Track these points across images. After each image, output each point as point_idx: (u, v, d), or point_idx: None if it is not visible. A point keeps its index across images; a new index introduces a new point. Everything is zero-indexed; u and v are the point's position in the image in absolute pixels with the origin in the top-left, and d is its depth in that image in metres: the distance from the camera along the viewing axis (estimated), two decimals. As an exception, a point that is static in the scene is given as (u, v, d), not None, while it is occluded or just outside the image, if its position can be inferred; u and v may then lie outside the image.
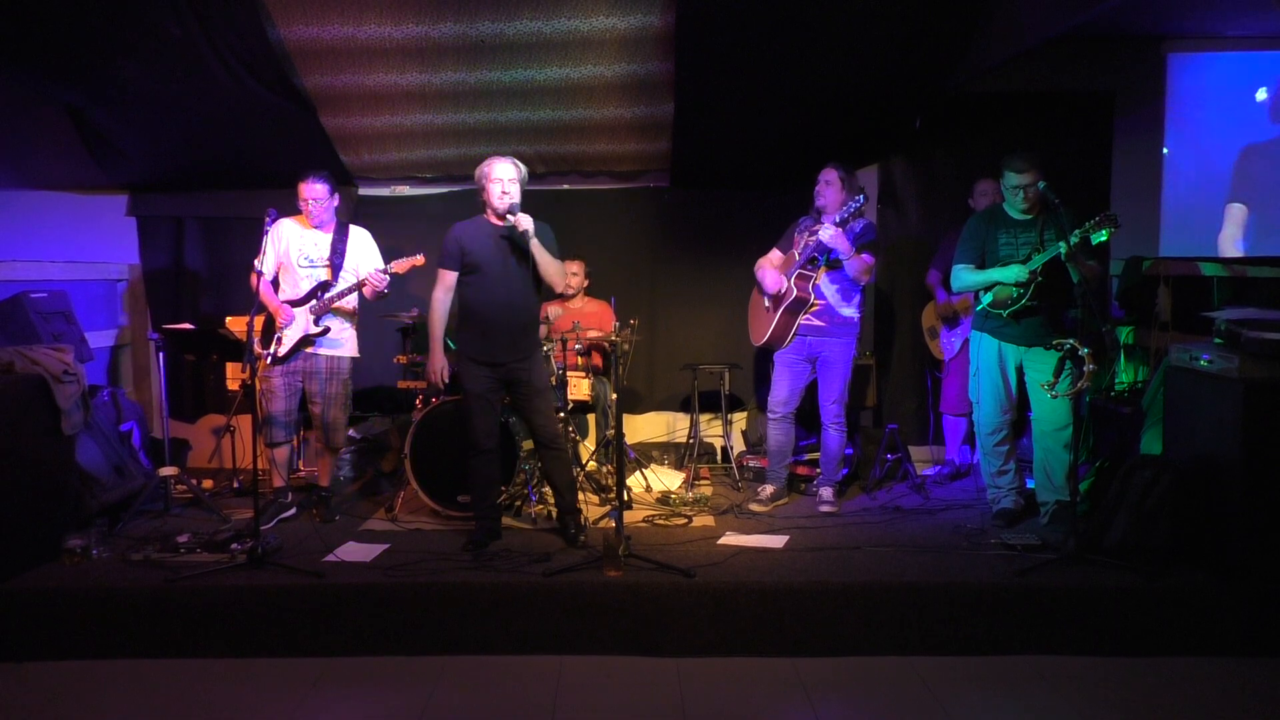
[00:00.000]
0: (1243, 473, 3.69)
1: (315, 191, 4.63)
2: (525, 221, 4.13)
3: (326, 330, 4.65)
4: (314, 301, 4.64)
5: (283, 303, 4.65)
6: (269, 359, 4.60)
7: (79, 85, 4.98)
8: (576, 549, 4.24)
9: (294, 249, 4.70)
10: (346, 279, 4.70)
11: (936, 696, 3.36)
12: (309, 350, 4.67)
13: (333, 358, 4.71)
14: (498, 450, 4.42)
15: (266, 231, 4.41)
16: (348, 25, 4.72)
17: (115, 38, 4.61)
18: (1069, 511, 4.11)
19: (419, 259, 4.63)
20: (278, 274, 4.75)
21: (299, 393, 4.75)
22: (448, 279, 4.31)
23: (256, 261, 4.63)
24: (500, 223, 4.26)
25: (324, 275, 4.68)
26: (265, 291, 4.66)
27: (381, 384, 6.15)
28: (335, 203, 4.72)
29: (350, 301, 4.73)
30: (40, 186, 6.02)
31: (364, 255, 4.78)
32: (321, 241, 4.71)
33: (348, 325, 4.77)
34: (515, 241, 4.22)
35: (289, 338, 4.62)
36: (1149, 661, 3.61)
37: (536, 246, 4.18)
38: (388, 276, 4.61)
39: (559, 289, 4.33)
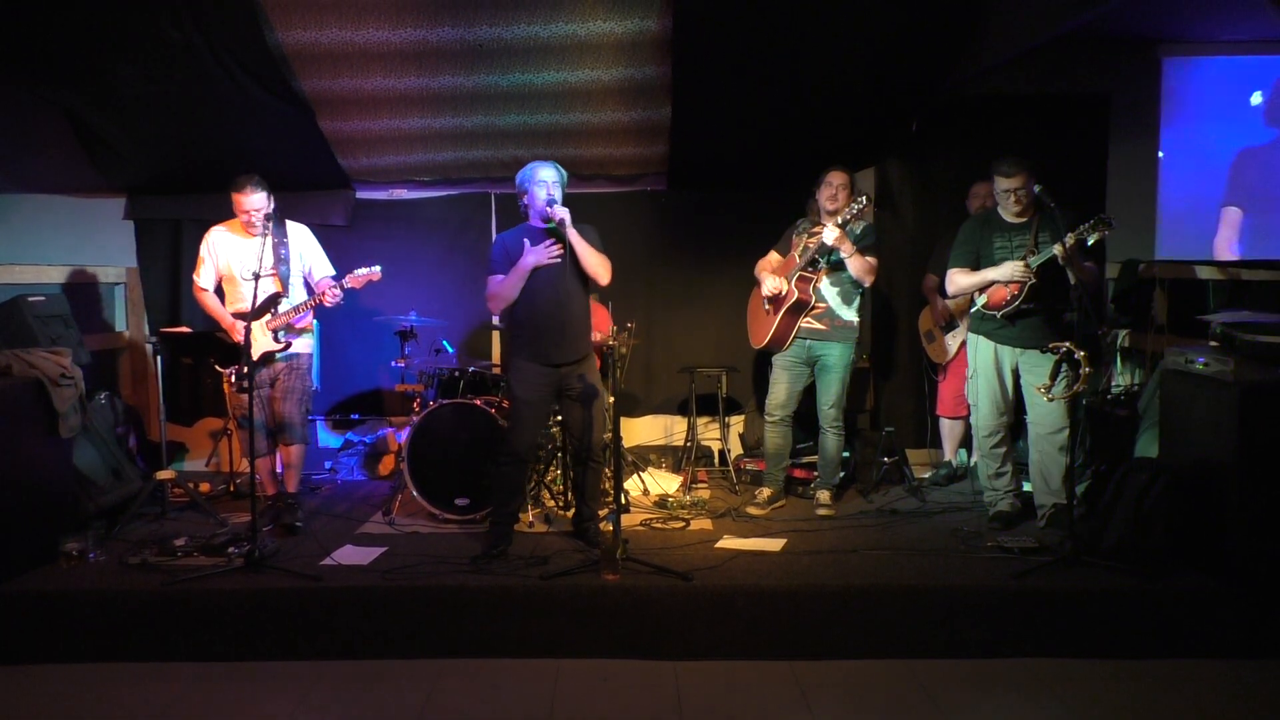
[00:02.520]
0: (1238, 475, 3.70)
1: (256, 202, 4.46)
2: (561, 211, 4.15)
3: (288, 346, 4.58)
4: (269, 316, 4.55)
5: (235, 316, 4.58)
6: (232, 378, 4.52)
7: (77, 89, 4.98)
8: (583, 550, 4.24)
9: (235, 260, 4.59)
10: (296, 283, 4.64)
11: (934, 700, 3.37)
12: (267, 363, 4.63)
13: (291, 355, 4.67)
14: (528, 461, 4.42)
15: (205, 242, 4.35)
16: (346, 29, 4.73)
17: (113, 41, 4.61)
18: (1066, 514, 4.12)
19: (375, 274, 4.53)
20: (220, 286, 4.67)
21: (269, 399, 4.73)
22: (494, 282, 4.32)
23: (195, 275, 4.58)
24: (543, 225, 4.28)
25: (273, 285, 4.58)
26: (214, 306, 4.64)
27: (379, 387, 6.15)
28: (272, 206, 4.57)
29: (308, 315, 4.66)
30: (38, 190, 6.01)
31: (308, 253, 4.69)
32: (264, 248, 4.54)
33: (308, 331, 4.73)
34: (560, 242, 4.21)
35: (253, 352, 4.49)
36: (1146, 664, 3.62)
37: (574, 236, 4.18)
38: (341, 291, 4.51)
39: (604, 282, 4.33)
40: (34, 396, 4.19)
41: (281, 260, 4.60)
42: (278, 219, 4.65)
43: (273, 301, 4.56)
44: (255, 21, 4.59)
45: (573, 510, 4.59)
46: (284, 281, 4.60)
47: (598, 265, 4.27)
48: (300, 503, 4.82)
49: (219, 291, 4.74)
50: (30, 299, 5.00)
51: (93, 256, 6.06)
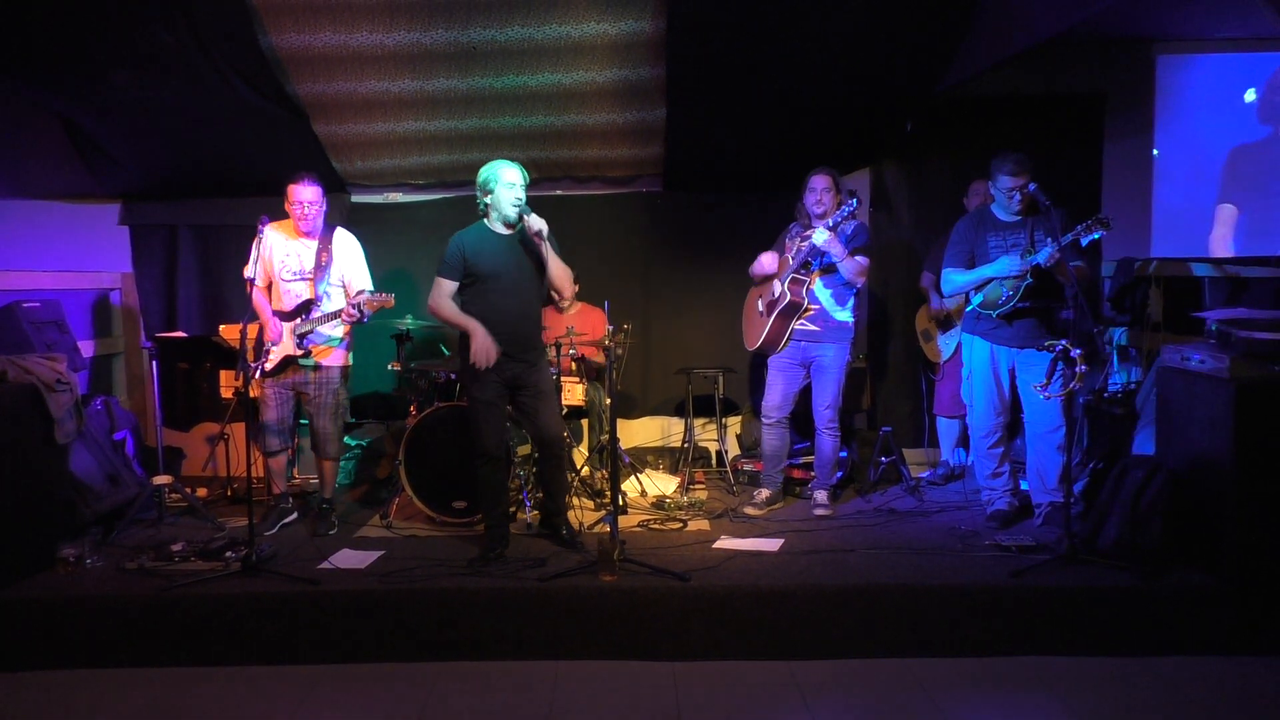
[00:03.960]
0: (1235, 472, 3.70)
1: (309, 194, 4.51)
2: (537, 222, 4.10)
3: (308, 353, 4.57)
4: (298, 321, 4.56)
5: (274, 314, 4.60)
6: (258, 372, 4.53)
7: (71, 94, 4.98)
8: (574, 552, 4.24)
9: (277, 260, 4.61)
10: (334, 293, 4.63)
11: (932, 698, 3.37)
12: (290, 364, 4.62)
13: (321, 367, 4.66)
14: (506, 458, 4.41)
15: (257, 239, 4.38)
16: (340, 32, 4.73)
17: (107, 46, 4.61)
18: (1063, 512, 4.12)
19: (389, 300, 4.51)
20: (268, 283, 4.70)
21: (291, 401, 4.72)
22: (447, 288, 4.20)
23: (246, 270, 4.61)
24: (507, 230, 4.24)
25: (307, 291, 4.59)
26: (259, 301, 4.63)
27: (376, 390, 6.14)
28: (326, 208, 4.63)
29: (333, 325, 4.62)
30: (33, 196, 6.02)
31: (350, 265, 4.67)
32: (306, 253, 4.61)
33: (335, 338, 4.69)
34: (524, 247, 4.19)
35: (275, 354, 4.55)
36: (1143, 661, 3.62)
37: (549, 251, 4.15)
38: (357, 313, 4.48)
39: (568, 294, 4.31)
40: (29, 402, 4.18)
41: (321, 267, 4.59)
42: (327, 227, 4.65)
43: (305, 307, 4.56)
44: (249, 25, 4.60)
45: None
46: (317, 289, 4.58)
47: (564, 278, 4.27)
48: (334, 509, 4.81)
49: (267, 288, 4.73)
50: (25, 305, 5.00)
51: (88, 262, 6.07)
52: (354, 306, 4.48)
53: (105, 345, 6.05)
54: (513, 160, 4.27)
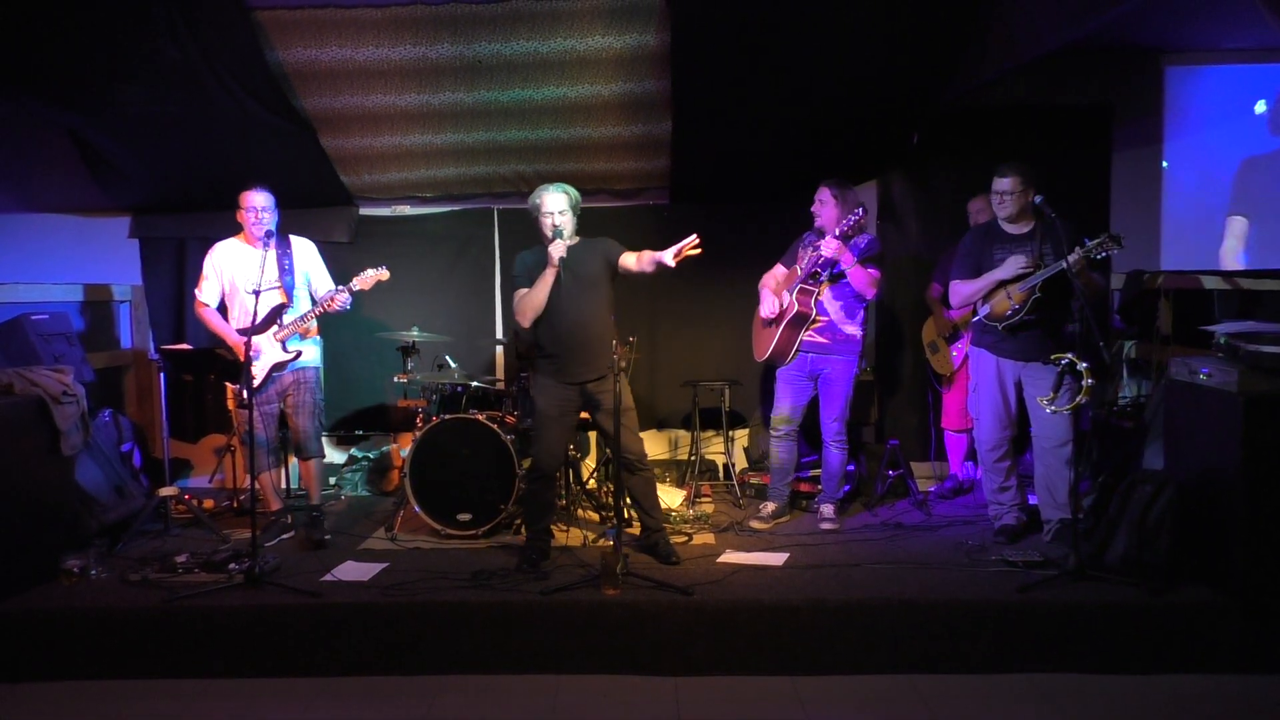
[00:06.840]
0: (1243, 486, 3.65)
1: (262, 200, 4.52)
2: (555, 251, 4.11)
3: (298, 355, 4.59)
4: (275, 327, 4.56)
5: (239, 332, 4.57)
6: (244, 393, 4.53)
7: (79, 108, 5.02)
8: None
9: (239, 274, 4.62)
10: (301, 295, 4.66)
11: (936, 715, 3.34)
12: (276, 373, 4.65)
13: (298, 369, 4.67)
14: (556, 476, 4.44)
15: (208, 258, 4.39)
16: (346, 47, 4.76)
17: (114, 61, 4.65)
18: (1071, 528, 4.08)
19: (383, 273, 4.53)
20: (223, 301, 4.70)
21: (276, 415, 4.75)
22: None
23: (197, 290, 4.60)
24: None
25: (278, 297, 4.60)
26: (216, 323, 4.66)
27: (383, 403, 6.15)
28: (278, 217, 4.62)
29: (312, 322, 4.66)
30: (42, 209, 6.06)
31: (312, 268, 4.71)
32: (268, 262, 4.59)
33: (311, 340, 4.73)
34: (585, 259, 4.24)
35: (259, 369, 4.54)
36: (1150, 679, 3.58)
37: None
38: (348, 295, 4.51)
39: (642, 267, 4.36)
40: (36, 414, 4.21)
41: (285, 271, 4.62)
42: (281, 234, 4.67)
43: (277, 313, 4.57)
44: (255, 40, 4.63)
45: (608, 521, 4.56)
46: (288, 293, 4.62)
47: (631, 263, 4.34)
48: (325, 515, 4.82)
49: (223, 308, 4.76)
50: (33, 317, 5.03)
51: (98, 275, 6.10)
52: (344, 290, 4.49)
53: (114, 357, 6.07)
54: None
